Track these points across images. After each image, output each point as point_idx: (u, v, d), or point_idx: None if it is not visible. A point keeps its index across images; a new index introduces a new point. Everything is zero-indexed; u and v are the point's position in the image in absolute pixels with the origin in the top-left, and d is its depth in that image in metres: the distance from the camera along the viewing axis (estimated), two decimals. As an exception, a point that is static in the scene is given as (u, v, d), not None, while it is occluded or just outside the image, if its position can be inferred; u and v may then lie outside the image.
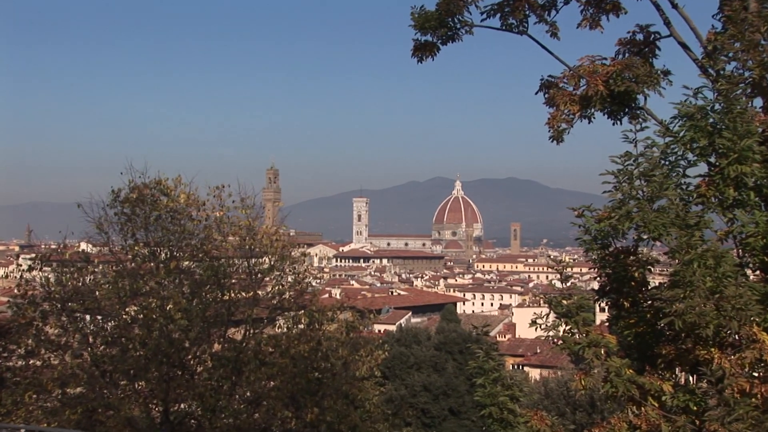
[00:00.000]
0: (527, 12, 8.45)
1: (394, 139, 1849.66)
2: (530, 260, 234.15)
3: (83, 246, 14.55)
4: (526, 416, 6.87)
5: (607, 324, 7.19)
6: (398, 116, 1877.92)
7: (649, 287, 6.79)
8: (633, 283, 6.75)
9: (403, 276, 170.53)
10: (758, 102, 7.11)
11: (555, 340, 6.54)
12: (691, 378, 6.39)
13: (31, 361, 12.46)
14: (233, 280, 13.04)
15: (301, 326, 13.42)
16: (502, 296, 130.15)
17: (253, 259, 13.50)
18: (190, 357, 12.50)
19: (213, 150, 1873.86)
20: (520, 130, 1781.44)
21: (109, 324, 12.59)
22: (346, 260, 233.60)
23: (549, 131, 7.87)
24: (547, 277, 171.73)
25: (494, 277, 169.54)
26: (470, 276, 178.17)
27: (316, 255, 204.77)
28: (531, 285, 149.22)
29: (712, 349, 5.93)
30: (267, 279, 13.74)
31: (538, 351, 60.70)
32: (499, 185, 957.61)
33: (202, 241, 13.21)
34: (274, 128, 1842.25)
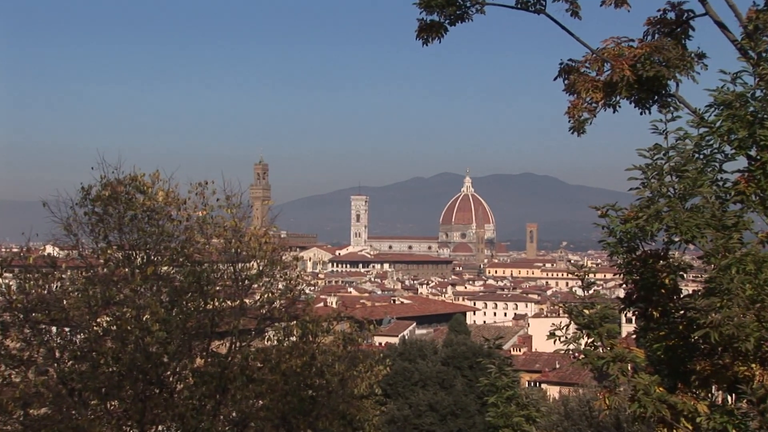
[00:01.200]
0: (545, -12, 8.44)
1: (397, 131, 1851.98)
2: (548, 265, 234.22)
3: (49, 249, 14.54)
4: (544, 439, 6.87)
5: (634, 336, 7.19)
6: (401, 105, 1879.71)
7: (682, 295, 6.79)
8: (663, 291, 6.74)
9: (407, 282, 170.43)
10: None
11: (576, 354, 6.54)
12: (729, 397, 6.38)
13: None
14: (217, 288, 13.02)
15: (293, 339, 13.42)
16: (516, 305, 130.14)
17: (240, 264, 13.50)
18: (169, 373, 12.50)
19: (195, 143, 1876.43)
20: (537, 120, 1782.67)
21: (78, 337, 12.58)
22: (344, 265, 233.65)
23: (569, 121, 7.86)
24: (566, 283, 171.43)
25: (508, 284, 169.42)
26: (481, 282, 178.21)
27: (310, 259, 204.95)
28: (549, 293, 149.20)
29: (753, 365, 5.92)
30: (255, 286, 13.73)
31: (557, 366, 60.71)
32: (514, 182, 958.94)
33: (182, 244, 13.20)
34: (263, 118, 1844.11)
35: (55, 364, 12.42)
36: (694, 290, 6.73)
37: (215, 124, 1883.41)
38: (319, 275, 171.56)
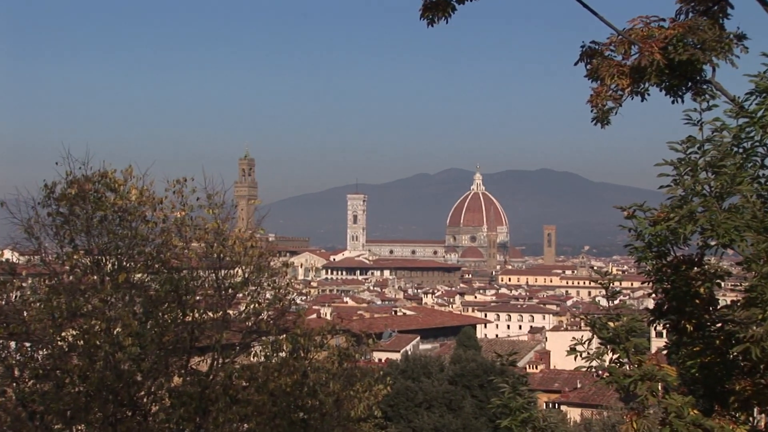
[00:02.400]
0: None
1: (398, 122, 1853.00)
2: (568, 272, 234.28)
3: (8, 254, 14.55)
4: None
5: (665, 352, 7.19)
6: (403, 93, 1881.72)
7: (718, 306, 6.78)
8: (698, 301, 6.74)
9: (410, 291, 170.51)
10: None
11: (599, 372, 6.53)
12: (771, 420, 6.38)
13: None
14: (198, 297, 13.06)
15: (283, 355, 13.44)
16: (533, 317, 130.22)
17: (223, 271, 13.53)
18: (143, 393, 12.50)
19: (172, 135, 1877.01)
20: (556, 110, 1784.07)
21: (41, 353, 12.59)
22: (339, 272, 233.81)
23: (592, 111, 7.85)
24: (589, 293, 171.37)
25: (523, 293, 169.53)
26: (493, 292, 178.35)
27: (302, 265, 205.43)
28: (569, 303, 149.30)
29: (798, 385, 5.91)
30: (240, 296, 13.77)
31: (579, 386, 60.70)
32: (530, 179, 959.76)
33: (158, 248, 13.24)
34: (249, 107, 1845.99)
35: (14, 384, 12.42)
36: (732, 300, 6.72)
37: (196, 114, 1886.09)
38: (312, 283, 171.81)
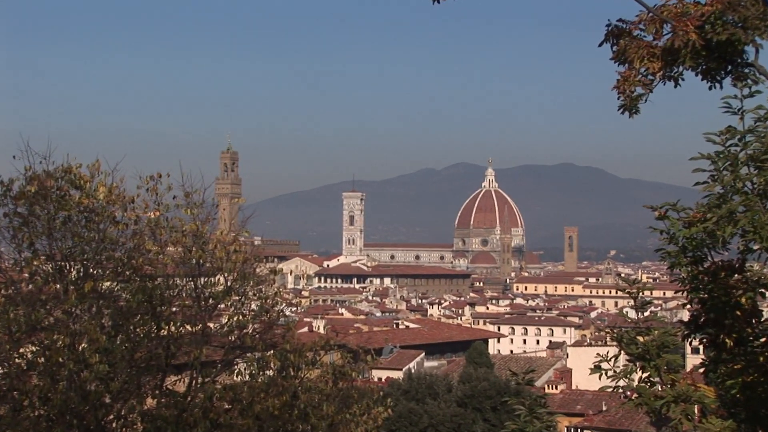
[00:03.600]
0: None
1: (401, 111, 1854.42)
2: (592, 280, 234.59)
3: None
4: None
5: (701, 370, 7.18)
6: (405, 79, 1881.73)
7: (762, 318, 6.78)
8: (738, 313, 6.73)
9: (414, 302, 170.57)
10: None
11: (627, 392, 6.54)
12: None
13: None
14: (174, 309, 13.07)
15: (270, 373, 13.44)
16: (552, 330, 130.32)
17: (203, 279, 13.53)
18: (112, 417, 12.50)
19: (146, 125, 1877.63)
20: (578, 97, 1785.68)
21: (-3, 371, 12.57)
22: (333, 279, 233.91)
23: (619, 98, 7.85)
24: (615, 303, 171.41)
25: (541, 304, 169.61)
26: (507, 302, 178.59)
27: (291, 272, 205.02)
28: (593, 315, 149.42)
29: None
30: (222, 306, 13.76)
31: (604, 408, 60.72)
32: (549, 174, 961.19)
33: (129, 253, 13.24)
34: (231, 94, 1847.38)
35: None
36: (777, 312, 6.72)
37: (172, 102, 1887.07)
38: (303, 292, 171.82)
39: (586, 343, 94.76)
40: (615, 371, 6.51)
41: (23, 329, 12.33)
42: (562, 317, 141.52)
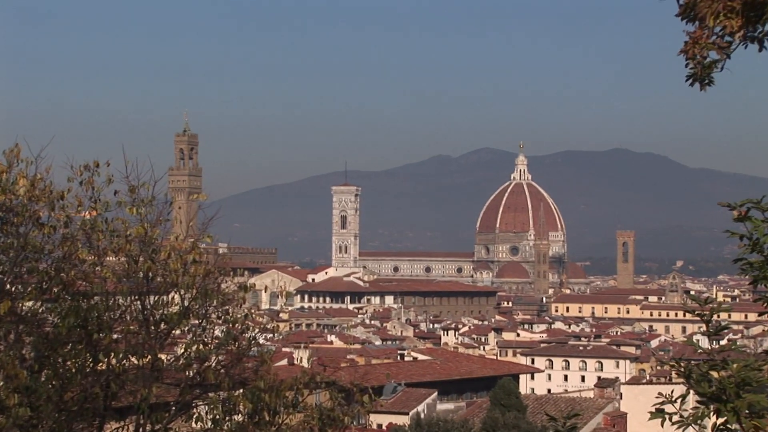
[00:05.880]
0: None
1: (406, 82, 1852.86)
2: (653, 299, 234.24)
3: None
4: None
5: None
6: (412, 39, 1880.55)
7: None
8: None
9: (423, 327, 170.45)
10: None
11: (699, 443, 6.53)
12: None
13: None
14: (115, 336, 13.05)
15: (239, 418, 13.43)
16: (601, 364, 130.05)
17: (152, 297, 13.50)
18: (36, 474, 12.48)
19: (79, 99, 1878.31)
20: (634, 64, 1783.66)
21: None
22: (321, 298, 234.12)
23: (687, 66, 7.83)
24: (683, 329, 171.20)
25: (587, 330, 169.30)
26: (544, 327, 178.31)
27: (266, 289, 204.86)
28: (654, 344, 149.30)
29: None
30: (177, 333, 13.71)
31: (668, 463, 60.81)
32: (597, 163, 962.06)
33: (58, 264, 13.23)
34: (189, 60, 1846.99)
35: None
36: None
37: (113, 69, 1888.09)
38: (282, 314, 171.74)
39: (644, 380, 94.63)
40: (682, 416, 6.50)
41: None
42: (614, 347, 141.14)
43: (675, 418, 6.52)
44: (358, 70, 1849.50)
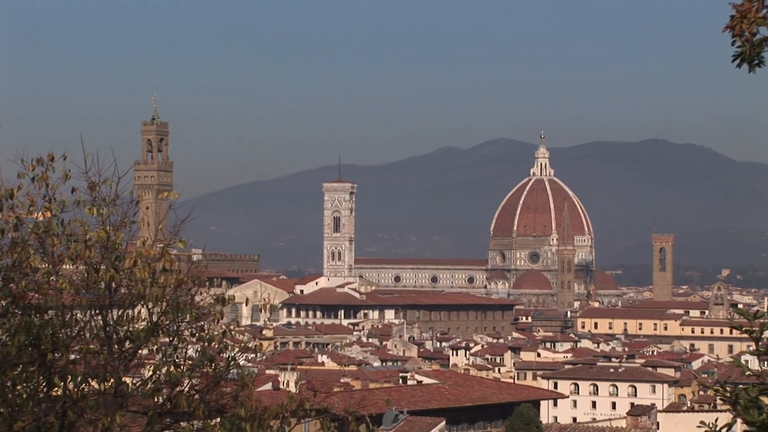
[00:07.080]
0: None
1: (410, 64, 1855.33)
2: (694, 313, 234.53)
3: None
4: None
5: None
6: (416, 17, 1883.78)
7: None
8: None
9: (429, 345, 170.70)
10: None
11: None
12: None
13: None
14: (73, 356, 13.00)
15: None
16: (635, 388, 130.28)
17: (116, 312, 13.46)
18: None
19: (31, 78, 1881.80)
20: (672, 42, 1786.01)
21: None
22: (311, 312, 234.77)
23: (733, 44, 7.79)
24: (729, 348, 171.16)
25: (619, 349, 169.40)
26: (569, 345, 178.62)
27: (248, 302, 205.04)
28: (696, 365, 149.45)
29: None
30: (144, 353, 13.67)
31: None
32: (629, 156, 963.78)
33: (7, 274, 13.20)
34: (158, 39, 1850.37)
35: None
36: None
37: (68, 47, 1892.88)
38: (266, 331, 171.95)
39: (685, 407, 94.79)
40: (729, 449, 6.45)
41: None
42: (651, 368, 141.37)
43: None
44: (353, 49, 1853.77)
